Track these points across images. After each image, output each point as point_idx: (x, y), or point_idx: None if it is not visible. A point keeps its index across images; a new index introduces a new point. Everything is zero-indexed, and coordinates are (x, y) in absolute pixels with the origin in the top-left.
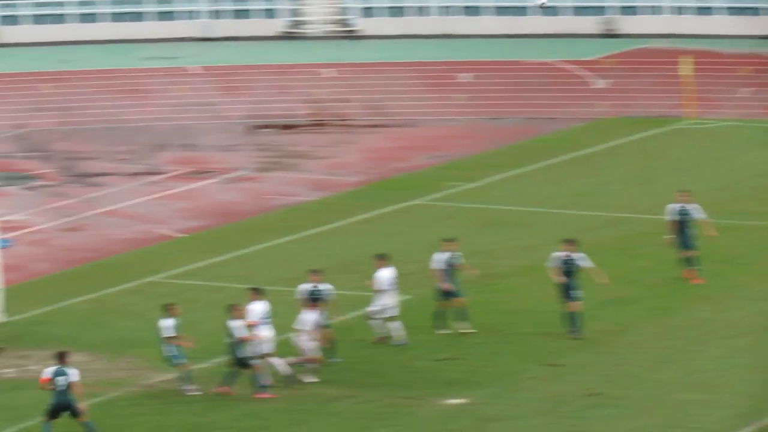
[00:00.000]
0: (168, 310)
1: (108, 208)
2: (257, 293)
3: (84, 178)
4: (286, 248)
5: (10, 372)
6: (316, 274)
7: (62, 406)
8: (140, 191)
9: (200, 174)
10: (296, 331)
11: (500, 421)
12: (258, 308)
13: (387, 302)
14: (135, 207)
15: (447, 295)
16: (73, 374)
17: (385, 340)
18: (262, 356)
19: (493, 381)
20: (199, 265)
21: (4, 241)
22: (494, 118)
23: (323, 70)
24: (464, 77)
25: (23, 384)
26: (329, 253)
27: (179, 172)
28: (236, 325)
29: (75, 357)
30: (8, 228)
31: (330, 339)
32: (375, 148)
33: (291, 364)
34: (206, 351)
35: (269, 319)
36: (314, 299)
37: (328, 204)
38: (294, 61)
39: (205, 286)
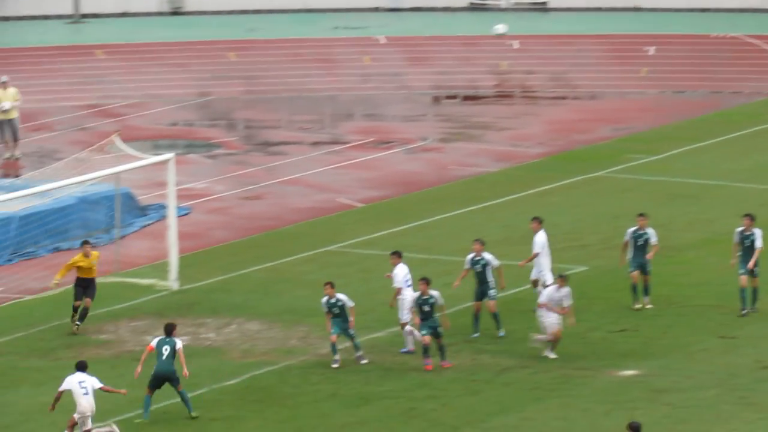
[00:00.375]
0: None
1: (289, 177)
2: (399, 257)
3: (266, 146)
4: (466, 219)
5: (184, 339)
6: (479, 243)
7: (164, 375)
8: (322, 160)
9: (383, 144)
10: (540, 306)
11: (672, 393)
12: (402, 272)
13: (543, 265)
14: (316, 176)
15: (641, 269)
16: (178, 344)
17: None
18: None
19: (666, 353)
20: (377, 235)
21: (182, 208)
22: (678, 92)
23: (509, 41)
24: (650, 50)
25: (197, 351)
26: (509, 224)
27: (362, 141)
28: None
29: (250, 325)
30: (188, 196)
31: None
32: (558, 120)
33: (539, 341)
34: (382, 321)
35: (411, 284)
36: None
37: (509, 175)
38: (480, 33)
39: (383, 256)
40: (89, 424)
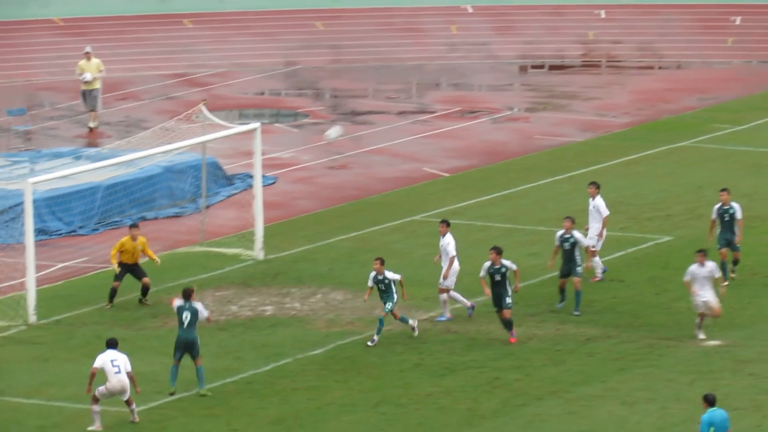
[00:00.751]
0: None
1: (375, 147)
2: (447, 226)
3: (352, 116)
4: (551, 189)
5: (269, 309)
6: (570, 221)
7: (184, 342)
8: (408, 130)
9: (469, 113)
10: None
11: (756, 363)
12: (453, 241)
13: (591, 232)
14: (402, 145)
15: (729, 245)
16: (203, 312)
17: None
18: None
19: (751, 323)
20: (463, 205)
21: (268, 178)
22: (764, 62)
23: (597, 11)
24: (736, 20)
25: (282, 321)
26: None
27: (448, 111)
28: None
29: (335, 295)
30: (274, 165)
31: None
32: (644, 90)
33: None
34: (465, 291)
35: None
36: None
37: (595, 145)
38: (567, 2)
39: (468, 226)
40: (127, 395)
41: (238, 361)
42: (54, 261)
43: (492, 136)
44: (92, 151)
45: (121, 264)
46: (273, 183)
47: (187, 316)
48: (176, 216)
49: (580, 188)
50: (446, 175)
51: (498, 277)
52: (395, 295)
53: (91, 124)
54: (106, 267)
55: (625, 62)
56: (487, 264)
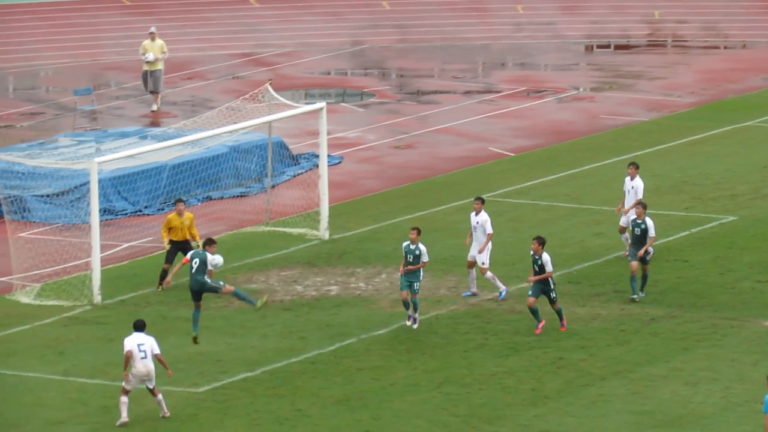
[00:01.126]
0: None
1: (441, 126)
2: (482, 203)
3: (418, 95)
4: (616, 168)
5: (333, 289)
6: (642, 207)
7: (194, 290)
8: (474, 109)
9: (535, 93)
10: None
11: None
12: (489, 219)
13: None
14: (468, 125)
15: None
16: (216, 259)
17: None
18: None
19: None
20: (528, 184)
21: (334, 158)
22: None
23: None
24: None
25: (346, 301)
26: (659, 173)
27: (514, 90)
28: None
29: (399, 275)
30: (340, 145)
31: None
32: (709, 70)
33: None
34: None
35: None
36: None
37: (660, 124)
38: None
39: (533, 205)
40: (153, 383)
41: (303, 341)
42: (119, 241)
43: (557, 116)
44: (158, 130)
45: (171, 242)
46: (339, 162)
47: (196, 262)
48: (242, 196)
49: (645, 168)
50: (511, 154)
51: (536, 268)
52: (421, 274)
53: (154, 107)
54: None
55: (690, 42)
56: (531, 252)
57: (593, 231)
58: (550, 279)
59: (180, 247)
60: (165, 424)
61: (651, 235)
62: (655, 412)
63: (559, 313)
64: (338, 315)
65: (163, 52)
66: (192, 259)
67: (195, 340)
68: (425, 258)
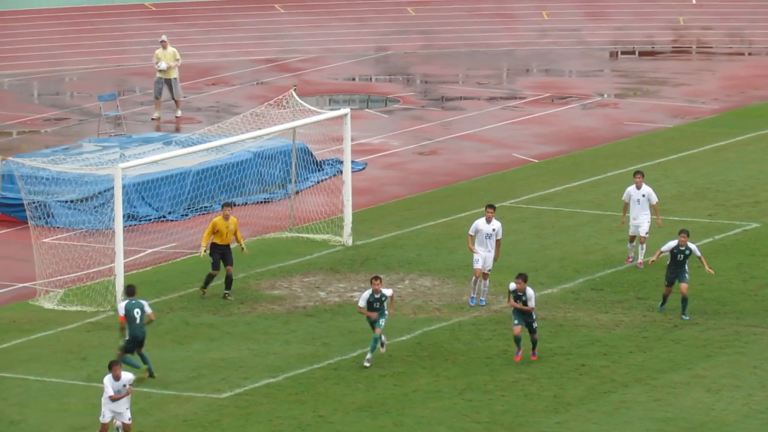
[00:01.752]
0: None
1: (465, 132)
2: (494, 210)
3: (443, 101)
4: None
5: (356, 295)
6: (685, 234)
7: (140, 336)
8: (498, 116)
9: (559, 99)
10: None
11: None
12: (479, 226)
13: (640, 220)
14: (492, 131)
15: None
16: (147, 309)
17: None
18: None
19: None
20: (552, 191)
21: (358, 164)
22: None
23: None
24: None
25: None
26: (682, 180)
27: (538, 96)
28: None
29: (422, 281)
30: (364, 151)
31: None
32: (734, 76)
33: None
34: (554, 277)
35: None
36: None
37: (684, 131)
38: None
39: (557, 212)
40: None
41: (326, 347)
42: (143, 247)
43: (582, 122)
44: (182, 136)
45: (213, 246)
46: (362, 169)
47: (137, 312)
48: (265, 202)
49: (669, 174)
50: (535, 161)
51: (521, 303)
52: (386, 312)
53: (178, 113)
54: (195, 252)
55: (715, 48)
56: (512, 286)
57: (616, 238)
58: (533, 312)
59: (222, 251)
60: (187, 429)
61: (698, 255)
62: (678, 419)
63: (534, 343)
64: (361, 321)
65: (176, 60)
66: (132, 310)
67: (151, 374)
68: (389, 292)
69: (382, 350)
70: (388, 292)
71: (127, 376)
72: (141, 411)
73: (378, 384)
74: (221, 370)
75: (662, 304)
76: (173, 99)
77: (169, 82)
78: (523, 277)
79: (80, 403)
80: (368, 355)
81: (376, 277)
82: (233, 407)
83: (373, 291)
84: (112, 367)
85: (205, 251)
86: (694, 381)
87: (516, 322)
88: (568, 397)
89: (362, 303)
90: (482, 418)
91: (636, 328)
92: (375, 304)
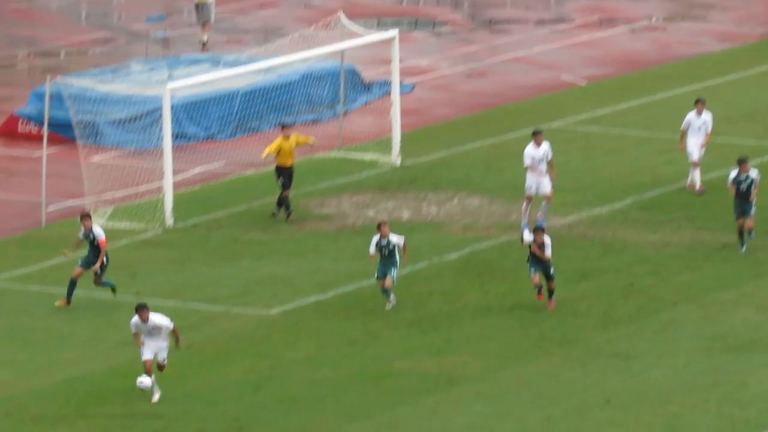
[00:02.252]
0: None
1: (513, 55)
2: (540, 136)
3: (491, 24)
4: (688, 98)
5: (405, 214)
6: (746, 163)
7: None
8: (547, 38)
9: (607, 22)
10: None
11: None
12: (531, 152)
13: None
14: (540, 54)
15: None
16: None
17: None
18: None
19: None
20: (600, 113)
21: (406, 85)
22: None
23: None
24: None
25: (418, 226)
26: (731, 102)
27: (587, 19)
28: None
29: (471, 200)
30: (412, 73)
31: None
32: None
33: None
34: (602, 197)
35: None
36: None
37: (732, 55)
38: None
39: (605, 134)
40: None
41: (375, 265)
42: (191, 165)
43: (630, 46)
44: (231, 57)
45: (278, 168)
46: (411, 90)
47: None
48: (314, 122)
49: (717, 97)
50: (584, 83)
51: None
52: (399, 261)
53: (204, 38)
54: (244, 171)
55: None
56: (527, 237)
57: (665, 159)
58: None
59: (288, 173)
60: (237, 344)
61: (757, 183)
62: (726, 336)
63: (551, 291)
64: (410, 239)
65: None
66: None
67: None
68: (401, 241)
69: (388, 306)
70: (399, 239)
71: (160, 319)
72: (190, 327)
73: (427, 301)
74: (270, 287)
75: (742, 244)
76: (206, 22)
77: (205, 6)
78: (541, 230)
79: (129, 319)
80: (391, 297)
81: (384, 222)
82: (282, 323)
83: (380, 236)
84: (139, 310)
85: (266, 156)
86: (743, 300)
87: (533, 270)
88: (616, 315)
89: (372, 249)
90: (532, 334)
91: (685, 248)
92: (384, 250)
